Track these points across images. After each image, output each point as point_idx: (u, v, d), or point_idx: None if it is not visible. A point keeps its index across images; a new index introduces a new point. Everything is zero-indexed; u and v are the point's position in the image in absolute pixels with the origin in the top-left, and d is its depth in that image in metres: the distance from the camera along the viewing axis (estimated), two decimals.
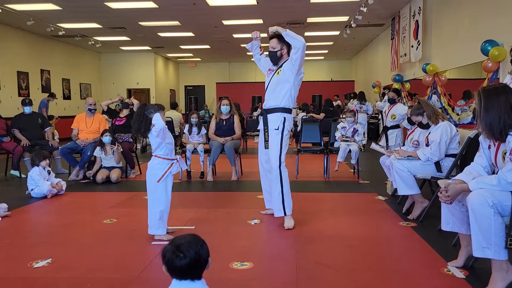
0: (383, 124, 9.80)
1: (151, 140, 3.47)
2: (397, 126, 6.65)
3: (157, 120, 3.31)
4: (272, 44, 3.88)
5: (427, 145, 4.04)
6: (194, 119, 6.52)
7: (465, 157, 3.68)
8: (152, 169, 3.46)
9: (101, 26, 11.82)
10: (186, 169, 6.34)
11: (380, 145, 5.16)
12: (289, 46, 3.82)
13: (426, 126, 4.12)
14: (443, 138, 3.89)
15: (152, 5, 9.41)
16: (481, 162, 2.67)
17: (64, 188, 5.43)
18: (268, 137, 3.87)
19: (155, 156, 3.45)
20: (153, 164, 3.46)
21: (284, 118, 3.84)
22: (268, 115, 3.88)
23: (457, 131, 4.05)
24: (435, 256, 3.05)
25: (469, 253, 2.72)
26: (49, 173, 5.39)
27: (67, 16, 10.47)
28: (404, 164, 3.98)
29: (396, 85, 10.21)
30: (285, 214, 3.81)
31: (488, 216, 2.34)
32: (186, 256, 1.64)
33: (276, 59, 3.90)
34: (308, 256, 3.10)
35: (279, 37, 3.81)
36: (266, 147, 3.87)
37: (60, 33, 11.88)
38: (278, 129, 3.83)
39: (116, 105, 7.04)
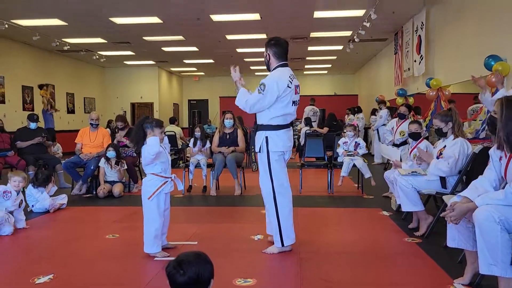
0: (379, 140, 9.78)
1: (142, 155, 3.41)
2: (405, 142, 6.58)
3: (153, 144, 3.27)
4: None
5: (437, 157, 3.97)
6: (197, 132, 6.54)
7: (470, 172, 3.65)
8: (144, 185, 3.43)
9: (105, 41, 11.92)
10: (189, 184, 6.34)
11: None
12: (272, 52, 3.54)
13: (442, 135, 3.93)
14: (460, 155, 3.73)
15: (156, 20, 9.50)
16: (490, 175, 2.65)
17: (65, 201, 5.41)
18: (255, 158, 3.49)
19: (151, 173, 3.41)
20: (146, 180, 3.43)
21: (266, 137, 3.43)
22: (256, 133, 3.55)
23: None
24: (441, 273, 3.01)
25: (476, 270, 2.68)
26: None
27: (73, 31, 10.57)
28: (408, 180, 3.94)
29: (400, 100, 10.21)
30: (282, 245, 3.45)
31: (494, 232, 2.31)
32: (186, 273, 1.63)
33: (267, 65, 3.65)
34: (313, 272, 3.07)
35: (265, 43, 3.59)
36: (254, 169, 3.46)
37: (65, 48, 11.98)
38: (260, 151, 3.45)
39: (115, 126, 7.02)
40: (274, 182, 3.45)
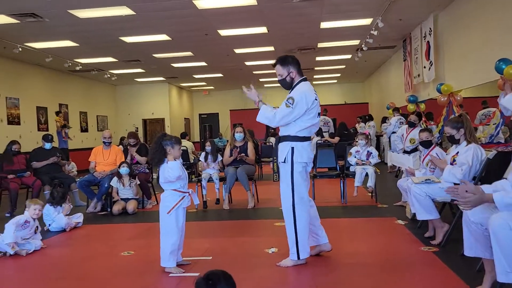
0: (389, 147, 9.75)
1: (160, 173, 3.45)
2: (416, 149, 6.59)
3: (174, 169, 3.35)
4: (277, 71, 3.59)
5: (451, 163, 3.92)
6: (208, 147, 6.58)
7: (485, 178, 3.61)
8: (163, 201, 3.47)
9: (116, 60, 12.12)
10: (203, 199, 6.35)
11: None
12: (296, 69, 3.57)
13: (455, 142, 3.90)
14: (474, 162, 3.68)
15: (165, 37, 9.64)
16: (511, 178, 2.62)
17: (81, 220, 5.46)
18: (277, 168, 3.56)
19: (171, 189, 3.45)
20: (164, 195, 3.48)
21: (292, 148, 3.46)
22: (279, 144, 3.58)
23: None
24: (459, 283, 2.96)
25: (494, 279, 2.63)
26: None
27: (84, 52, 10.77)
28: (422, 188, 3.89)
29: (411, 106, 10.16)
30: (298, 258, 3.45)
31: (510, 239, 2.28)
32: (215, 285, 1.69)
33: (287, 85, 3.60)
34: (328, 286, 3.04)
35: (282, 61, 3.56)
36: (275, 179, 3.64)
37: (77, 68, 12.21)
38: (285, 161, 3.47)
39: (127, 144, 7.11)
40: (295, 194, 3.47)
